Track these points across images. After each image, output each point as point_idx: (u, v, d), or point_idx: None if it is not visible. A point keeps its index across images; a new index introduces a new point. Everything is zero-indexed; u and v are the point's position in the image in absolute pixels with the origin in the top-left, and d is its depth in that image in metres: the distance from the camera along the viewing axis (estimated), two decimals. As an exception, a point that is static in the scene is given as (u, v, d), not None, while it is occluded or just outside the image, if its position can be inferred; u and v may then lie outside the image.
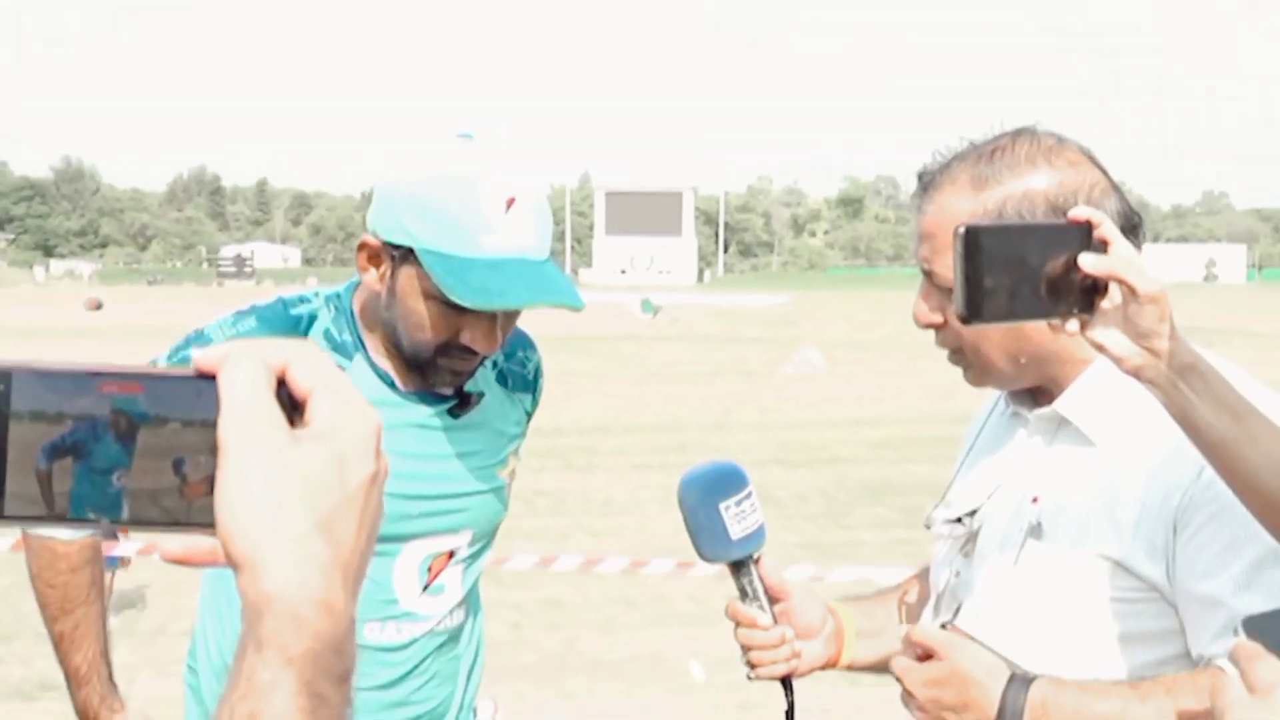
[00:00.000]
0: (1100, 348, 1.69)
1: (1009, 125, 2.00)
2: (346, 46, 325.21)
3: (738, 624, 2.16)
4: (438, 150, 2.24)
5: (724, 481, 2.13)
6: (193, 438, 0.90)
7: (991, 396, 2.24)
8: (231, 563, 0.88)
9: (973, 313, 1.65)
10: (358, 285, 2.37)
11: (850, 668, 2.30)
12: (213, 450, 0.89)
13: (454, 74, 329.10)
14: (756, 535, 2.12)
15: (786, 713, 2.19)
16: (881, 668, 2.33)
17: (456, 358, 2.26)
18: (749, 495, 2.13)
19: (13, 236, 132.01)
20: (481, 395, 2.41)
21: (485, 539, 2.46)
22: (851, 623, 2.28)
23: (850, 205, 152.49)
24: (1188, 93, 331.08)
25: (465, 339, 2.23)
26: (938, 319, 1.99)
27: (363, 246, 2.27)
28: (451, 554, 2.40)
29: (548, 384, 2.64)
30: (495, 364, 2.48)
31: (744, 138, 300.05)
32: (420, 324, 2.23)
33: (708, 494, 2.12)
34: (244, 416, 0.89)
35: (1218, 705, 1.13)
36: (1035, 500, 1.96)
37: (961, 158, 1.96)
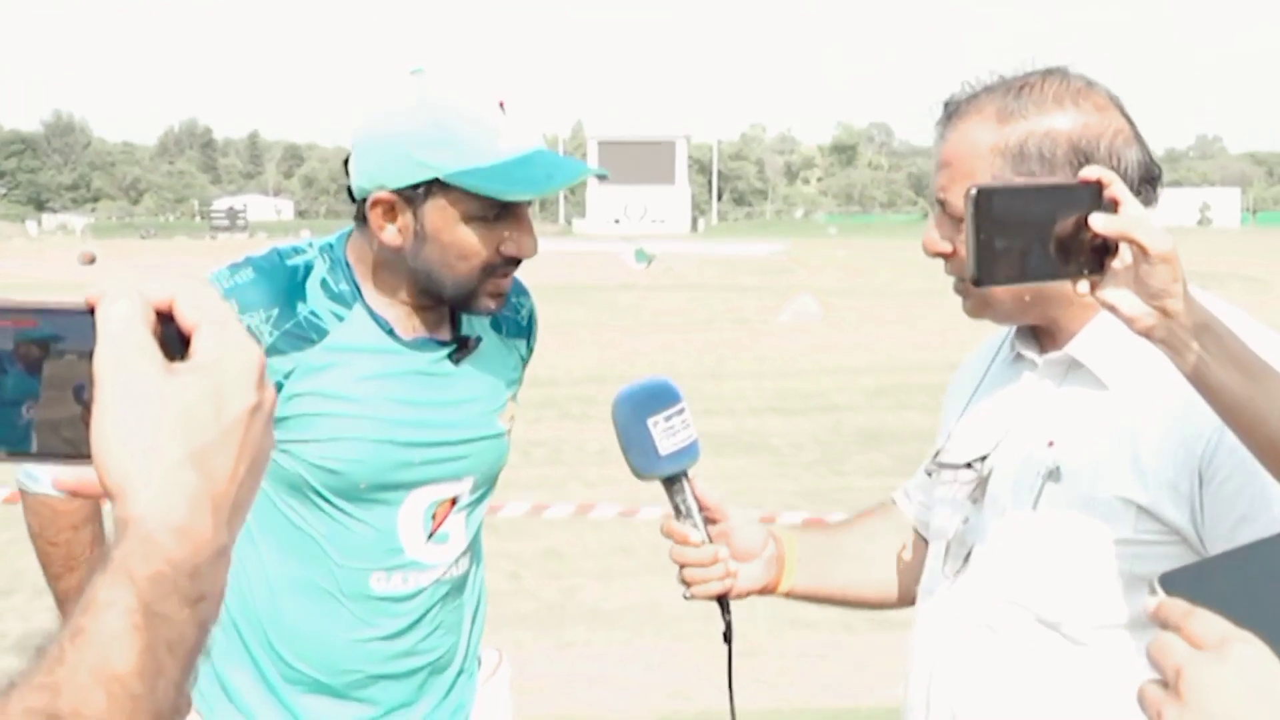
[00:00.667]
0: (1111, 308, 1.68)
1: (1039, 63, 1.98)
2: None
3: (673, 542, 2.17)
4: (402, 89, 2.26)
5: (654, 397, 2.15)
6: (85, 370, 0.91)
7: (987, 344, 2.24)
8: (105, 492, 0.90)
9: (984, 274, 1.65)
10: (349, 235, 2.37)
11: (790, 595, 2.30)
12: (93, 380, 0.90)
13: (445, 23, 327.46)
14: (687, 451, 2.13)
15: (724, 634, 2.21)
16: (820, 599, 2.36)
17: (500, 274, 2.30)
18: (680, 411, 2.14)
19: (3, 191, 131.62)
20: (479, 339, 2.42)
21: (486, 485, 2.47)
22: (793, 550, 2.28)
23: (844, 152, 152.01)
24: (1181, 36, 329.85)
25: (509, 249, 2.27)
26: (947, 248, 1.99)
27: (375, 204, 2.26)
28: (454, 501, 2.41)
29: (543, 334, 2.65)
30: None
31: (736, 86, 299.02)
32: (463, 252, 2.25)
33: (637, 410, 2.13)
34: (116, 350, 0.90)
35: (1165, 664, 1.11)
36: (1051, 444, 1.96)
37: (990, 90, 1.96)
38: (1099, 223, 1.64)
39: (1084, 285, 1.69)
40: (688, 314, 27.80)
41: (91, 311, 0.92)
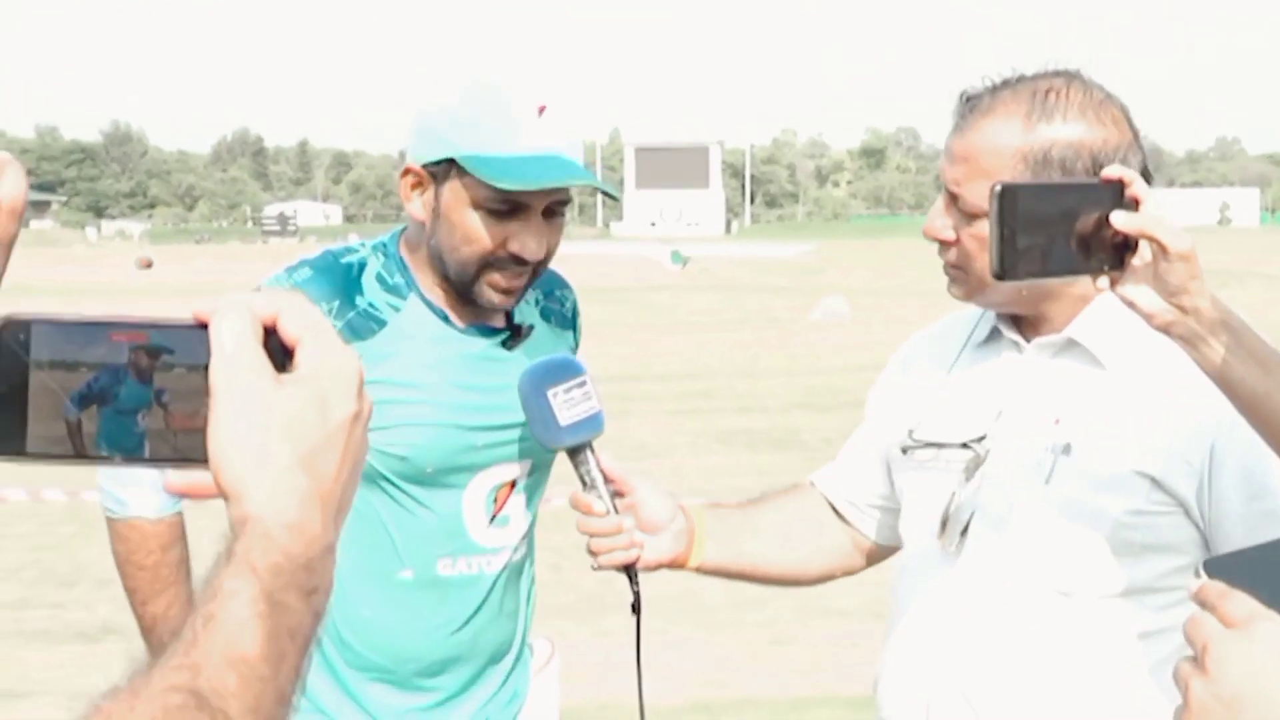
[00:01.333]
0: (1131, 304, 1.69)
1: (1056, 63, 1.99)
2: (380, 7, 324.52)
3: (579, 513, 2.17)
4: (459, 75, 2.31)
5: (555, 370, 2.15)
6: (196, 381, 0.96)
7: (946, 326, 2.25)
8: (221, 493, 0.95)
9: (1007, 270, 1.65)
10: (403, 232, 2.40)
11: (700, 569, 2.29)
12: (209, 392, 0.95)
13: (487, 33, 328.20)
14: (588, 423, 2.14)
15: (632, 605, 2.21)
16: (731, 574, 2.36)
17: (504, 271, 2.28)
18: (581, 384, 2.14)
19: (65, 199, 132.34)
20: (531, 327, 2.44)
21: (543, 468, 2.48)
22: (704, 524, 2.27)
23: (872, 156, 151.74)
24: (1201, 38, 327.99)
25: (513, 247, 2.25)
26: (951, 236, 2.00)
27: (406, 173, 2.31)
28: (514, 484, 2.42)
29: (583, 334, 2.66)
30: (538, 301, 2.51)
31: (768, 92, 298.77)
32: (467, 236, 2.26)
33: (537, 382, 2.14)
34: (230, 364, 0.95)
35: (1196, 640, 1.15)
36: (1058, 421, 1.99)
37: (1013, 90, 1.96)
38: (1120, 220, 1.65)
39: (1104, 281, 1.69)
40: (721, 314, 27.80)
41: (202, 326, 0.96)
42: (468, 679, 2.44)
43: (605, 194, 2.37)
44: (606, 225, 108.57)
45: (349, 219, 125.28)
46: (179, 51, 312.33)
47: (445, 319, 2.36)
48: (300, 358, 0.98)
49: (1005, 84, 1.98)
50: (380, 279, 2.35)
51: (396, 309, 2.34)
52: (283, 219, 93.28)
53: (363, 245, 2.42)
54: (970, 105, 1.98)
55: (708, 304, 30.44)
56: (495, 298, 2.31)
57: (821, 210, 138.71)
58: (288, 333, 0.98)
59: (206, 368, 0.95)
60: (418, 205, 2.31)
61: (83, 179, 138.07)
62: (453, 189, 2.26)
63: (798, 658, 6.67)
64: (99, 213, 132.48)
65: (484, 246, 2.26)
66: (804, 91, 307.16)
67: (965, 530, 2.05)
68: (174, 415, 0.96)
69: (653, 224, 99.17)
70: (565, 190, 2.29)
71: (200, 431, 0.95)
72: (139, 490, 2.41)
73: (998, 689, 2.02)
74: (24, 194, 1.04)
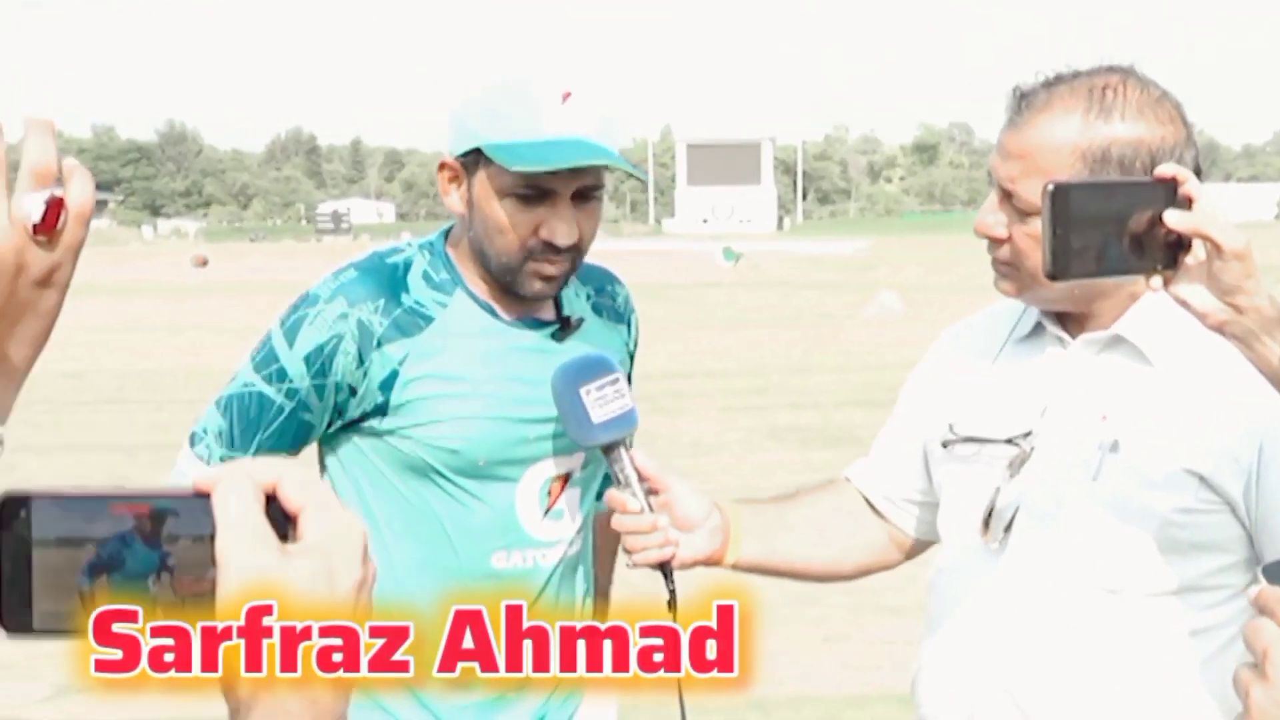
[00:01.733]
0: (1184, 304, 1.68)
1: (1109, 58, 1.98)
2: (432, 5, 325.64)
3: (613, 511, 2.17)
4: (487, 68, 2.35)
5: (587, 368, 2.15)
6: (201, 553, 0.95)
7: (986, 320, 2.23)
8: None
9: (1059, 269, 1.64)
10: (449, 230, 2.43)
11: (736, 566, 2.28)
12: (214, 562, 0.95)
13: (539, 30, 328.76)
14: (621, 421, 2.13)
15: (668, 602, 2.20)
16: (767, 570, 2.34)
17: (541, 259, 2.29)
18: (613, 381, 2.13)
19: (121, 198, 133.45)
20: (581, 320, 2.45)
21: (598, 462, 2.49)
22: (739, 521, 2.26)
23: (925, 152, 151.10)
24: (1259, 31, 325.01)
25: (544, 233, 2.27)
26: (1002, 234, 1.99)
27: (442, 167, 2.35)
28: (567, 477, 2.43)
29: (634, 331, 2.66)
30: (589, 296, 2.53)
31: (820, 88, 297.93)
32: (500, 226, 2.27)
33: (571, 380, 2.14)
34: (236, 535, 0.95)
35: (1257, 646, 1.14)
36: (1105, 418, 1.98)
37: (1069, 86, 1.95)
38: (1174, 219, 1.63)
39: (1157, 281, 1.68)
40: (774, 310, 27.76)
41: (204, 496, 0.96)
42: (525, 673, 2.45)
43: (630, 174, 2.33)
44: (658, 222, 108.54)
45: (402, 216, 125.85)
46: (232, 50, 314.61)
47: (492, 313, 2.38)
48: (304, 526, 0.98)
49: (1060, 80, 1.96)
50: (426, 276, 2.38)
51: (443, 305, 2.36)
52: (336, 217, 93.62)
53: (409, 244, 2.45)
54: (1025, 101, 1.96)
55: (760, 301, 30.39)
56: (537, 286, 2.32)
57: (874, 206, 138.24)
58: (289, 500, 0.97)
59: (211, 538, 0.94)
60: (455, 199, 2.34)
61: (139, 178, 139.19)
62: (482, 179, 2.29)
63: (851, 655, 6.65)
64: (155, 211, 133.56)
65: (516, 235, 2.27)
66: (856, 87, 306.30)
67: (1009, 527, 2.04)
68: (179, 585, 0.95)
69: (705, 221, 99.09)
70: (594, 174, 2.28)
71: (209, 598, 0.95)
72: None
73: (1043, 688, 2.01)
74: (92, 200, 1.06)
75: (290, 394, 2.33)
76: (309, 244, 74.11)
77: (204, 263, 49.09)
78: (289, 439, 2.36)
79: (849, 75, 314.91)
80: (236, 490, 0.96)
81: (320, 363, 2.31)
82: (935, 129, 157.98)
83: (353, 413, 2.35)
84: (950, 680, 2.11)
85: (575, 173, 2.25)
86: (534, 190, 2.25)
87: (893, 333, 22.42)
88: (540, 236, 2.27)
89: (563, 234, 2.27)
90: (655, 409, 14.16)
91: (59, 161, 1.04)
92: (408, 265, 2.38)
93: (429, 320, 2.34)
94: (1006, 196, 1.97)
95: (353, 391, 2.33)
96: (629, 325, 2.61)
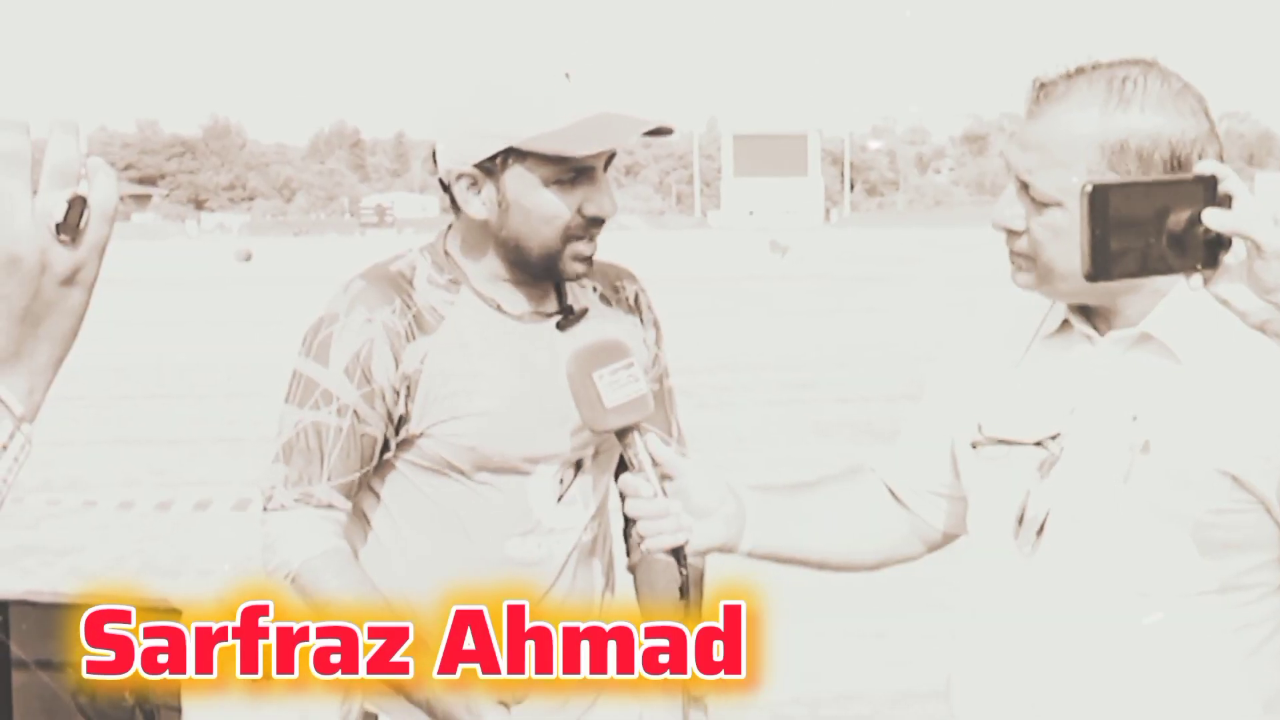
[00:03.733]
0: (1225, 303, 1.66)
1: (1128, 51, 1.97)
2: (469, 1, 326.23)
3: (625, 497, 2.16)
4: (472, 71, 2.38)
5: (602, 351, 2.15)
6: None
7: (1009, 315, 2.21)
8: None
9: (1099, 270, 1.63)
10: (447, 231, 2.49)
11: (751, 554, 2.27)
12: None
13: (580, 22, 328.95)
14: (635, 405, 2.13)
15: (680, 588, 2.19)
16: (783, 559, 2.33)
17: (583, 238, 2.37)
18: (628, 366, 2.13)
19: (166, 192, 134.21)
20: (585, 309, 2.51)
21: (610, 450, 2.52)
22: (755, 508, 2.25)
23: (975, 142, 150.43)
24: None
25: (590, 210, 2.34)
26: (1020, 226, 1.98)
27: (460, 178, 2.37)
28: (579, 464, 2.48)
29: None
30: (595, 288, 2.57)
31: (867, 78, 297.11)
32: (546, 215, 2.34)
33: (585, 364, 2.13)
34: None
35: None
36: (1135, 418, 1.96)
37: (1089, 77, 1.93)
38: (1213, 218, 1.62)
39: (1197, 280, 1.67)
40: (820, 303, 27.72)
41: (175, 610, 0.96)
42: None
43: (661, 131, 2.34)
44: (704, 214, 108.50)
45: (445, 210, 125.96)
46: (276, 45, 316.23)
47: (498, 309, 2.45)
48: None
49: (1080, 71, 1.95)
50: (431, 279, 2.45)
51: (451, 304, 2.43)
52: (380, 211, 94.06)
53: (410, 251, 2.51)
54: (1044, 92, 1.95)
55: (807, 293, 30.35)
56: (579, 268, 2.40)
57: (923, 198, 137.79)
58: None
59: None
60: (478, 205, 2.38)
61: (183, 172, 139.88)
62: (516, 176, 2.33)
63: (899, 651, 6.64)
64: (199, 205, 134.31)
65: (565, 220, 2.34)
66: (904, 77, 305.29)
67: (1041, 530, 2.03)
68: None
69: (751, 213, 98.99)
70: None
71: None
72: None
73: (1079, 693, 2.00)
74: (115, 199, 1.07)
75: (342, 411, 2.37)
76: (353, 238, 74.46)
77: (248, 256, 49.37)
78: (357, 458, 2.39)
79: (896, 65, 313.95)
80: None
81: (360, 371, 2.36)
82: (985, 119, 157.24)
83: (401, 413, 2.39)
84: (984, 687, 2.11)
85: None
86: (574, 171, 2.32)
87: (942, 325, 22.36)
88: (585, 215, 2.35)
89: (608, 205, 2.36)
90: (698, 403, 14.17)
91: (82, 160, 1.06)
92: (411, 270, 2.46)
93: (440, 320, 2.42)
94: (1024, 188, 1.96)
95: (396, 394, 2.38)
96: (642, 321, 2.63)
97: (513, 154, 2.31)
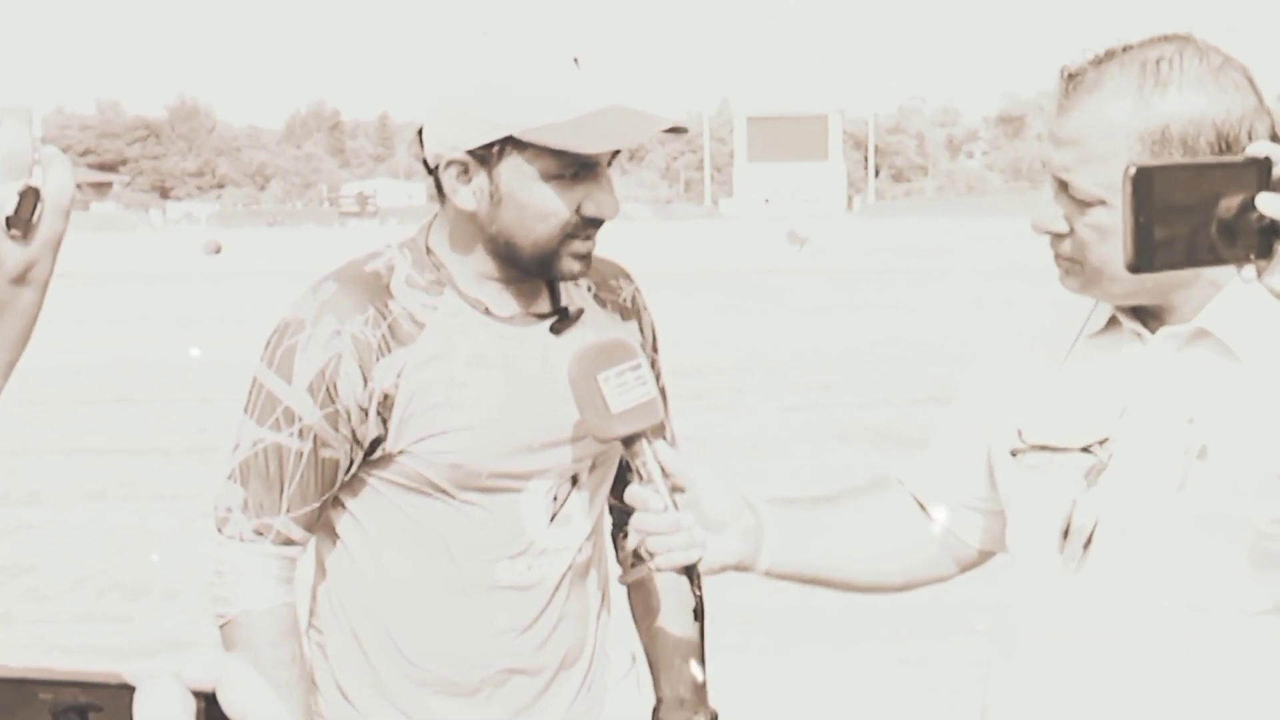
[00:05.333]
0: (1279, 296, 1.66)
1: (1164, 28, 1.97)
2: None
3: (634, 509, 2.16)
4: (471, 51, 2.32)
5: (607, 352, 2.14)
6: None
7: (1050, 315, 2.21)
8: None
9: (1142, 261, 1.63)
10: (430, 225, 2.45)
11: (769, 574, 2.26)
12: None
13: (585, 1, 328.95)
14: (644, 410, 2.12)
15: (694, 610, 2.18)
16: (804, 579, 2.31)
17: (580, 237, 2.32)
18: (635, 367, 2.12)
19: (128, 179, 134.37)
20: (581, 310, 2.47)
21: (606, 463, 2.51)
22: (773, 523, 2.24)
23: (1010, 124, 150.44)
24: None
25: (590, 210, 2.29)
26: (1063, 228, 1.98)
27: (450, 165, 2.33)
28: (575, 480, 2.45)
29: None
30: (590, 288, 2.55)
31: (893, 55, 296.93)
32: (542, 211, 2.29)
33: (589, 366, 2.13)
34: None
35: None
36: (1191, 422, 1.95)
37: (1120, 62, 1.93)
38: (1267, 204, 1.61)
39: (1250, 271, 1.66)
40: (841, 299, 27.71)
41: (130, 689, 0.97)
42: (539, 688, 2.49)
43: (677, 129, 2.30)
44: (715, 202, 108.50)
45: (433, 198, 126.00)
46: (248, 18, 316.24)
47: (485, 311, 2.40)
48: None
49: (1110, 56, 1.94)
50: (410, 280, 2.39)
51: (433, 308, 2.38)
52: (362, 199, 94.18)
53: (388, 247, 2.46)
54: (1074, 83, 1.95)
55: (827, 288, 30.35)
56: (576, 267, 2.35)
57: (954, 184, 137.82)
58: (231, 706, 0.97)
59: None
60: (467, 195, 2.33)
61: (146, 157, 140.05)
62: (512, 167, 2.28)
63: (930, 679, 6.64)
64: (164, 193, 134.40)
65: (563, 217, 2.29)
66: (933, 54, 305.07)
67: (1088, 542, 2.02)
68: None
69: (766, 201, 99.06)
70: None
71: None
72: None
73: (1125, 717, 2.00)
74: (71, 190, 1.06)
75: (304, 434, 2.34)
76: (332, 229, 74.49)
77: (217, 249, 49.39)
78: (318, 486, 2.38)
79: (925, 40, 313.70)
80: (160, 692, 0.95)
81: (325, 389, 2.32)
82: (1021, 99, 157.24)
83: (369, 438, 2.36)
84: (1026, 710, 2.10)
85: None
86: (575, 167, 2.27)
87: (974, 323, 22.36)
88: (584, 214, 2.30)
89: (610, 206, 2.31)
90: (708, 407, 14.18)
91: (35, 148, 1.05)
92: (389, 270, 2.40)
93: (419, 327, 2.36)
94: (1063, 187, 1.96)
95: (364, 414, 2.33)
96: (640, 324, 2.61)
97: (511, 143, 2.26)
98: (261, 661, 2.36)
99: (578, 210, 2.29)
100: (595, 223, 2.32)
